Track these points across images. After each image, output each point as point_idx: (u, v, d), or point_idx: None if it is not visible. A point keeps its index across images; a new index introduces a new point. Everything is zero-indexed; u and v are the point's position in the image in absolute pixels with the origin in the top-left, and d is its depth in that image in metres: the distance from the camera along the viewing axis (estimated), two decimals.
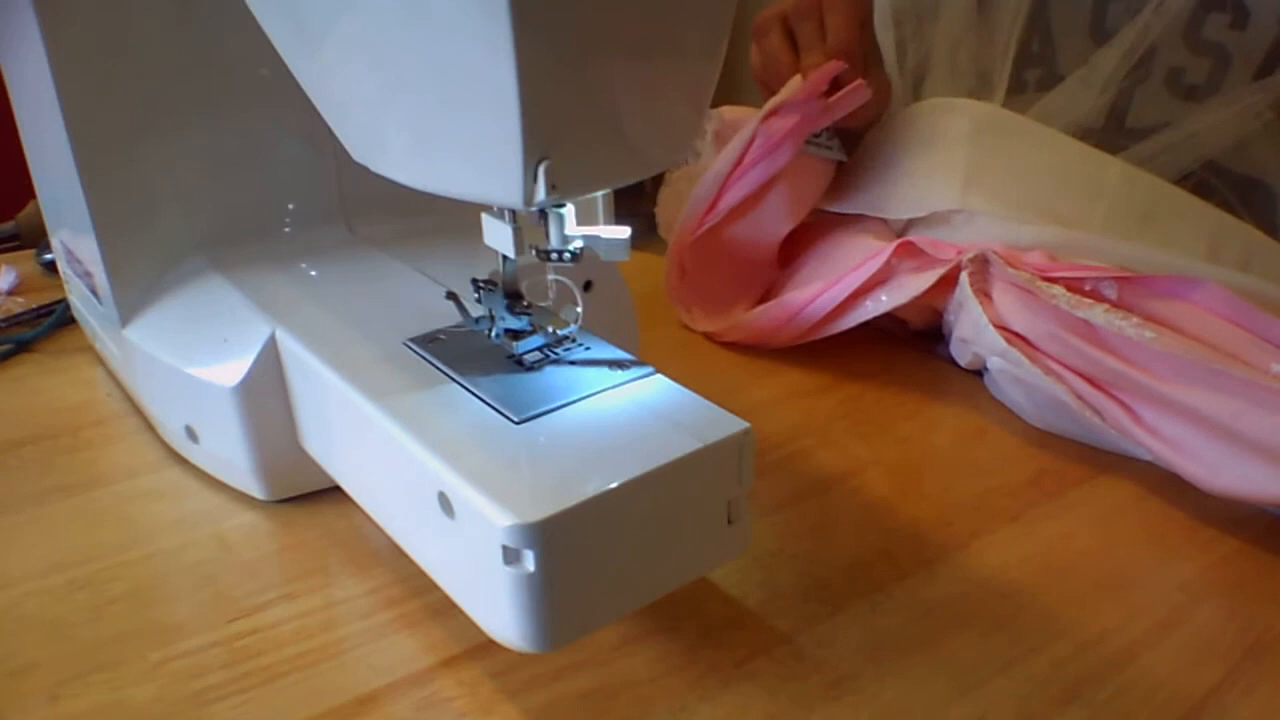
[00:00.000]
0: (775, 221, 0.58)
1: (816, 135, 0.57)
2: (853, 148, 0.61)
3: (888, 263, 0.52)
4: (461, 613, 0.32)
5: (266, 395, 0.40)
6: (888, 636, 0.36)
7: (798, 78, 0.55)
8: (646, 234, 0.68)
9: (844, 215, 0.61)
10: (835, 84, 0.55)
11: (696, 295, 0.60)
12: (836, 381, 0.55)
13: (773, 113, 0.55)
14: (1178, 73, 0.56)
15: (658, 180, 0.69)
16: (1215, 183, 0.56)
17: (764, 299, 0.59)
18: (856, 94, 0.54)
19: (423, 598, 0.37)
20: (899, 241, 0.52)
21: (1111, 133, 0.57)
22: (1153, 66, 0.56)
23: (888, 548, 0.41)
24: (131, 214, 0.45)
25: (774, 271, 0.61)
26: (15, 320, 0.59)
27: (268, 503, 0.43)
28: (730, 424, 0.32)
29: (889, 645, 0.36)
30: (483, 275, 0.37)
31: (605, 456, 0.30)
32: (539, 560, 0.28)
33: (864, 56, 0.57)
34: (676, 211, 0.64)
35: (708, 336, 0.60)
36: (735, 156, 0.56)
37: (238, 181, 0.47)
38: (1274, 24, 0.54)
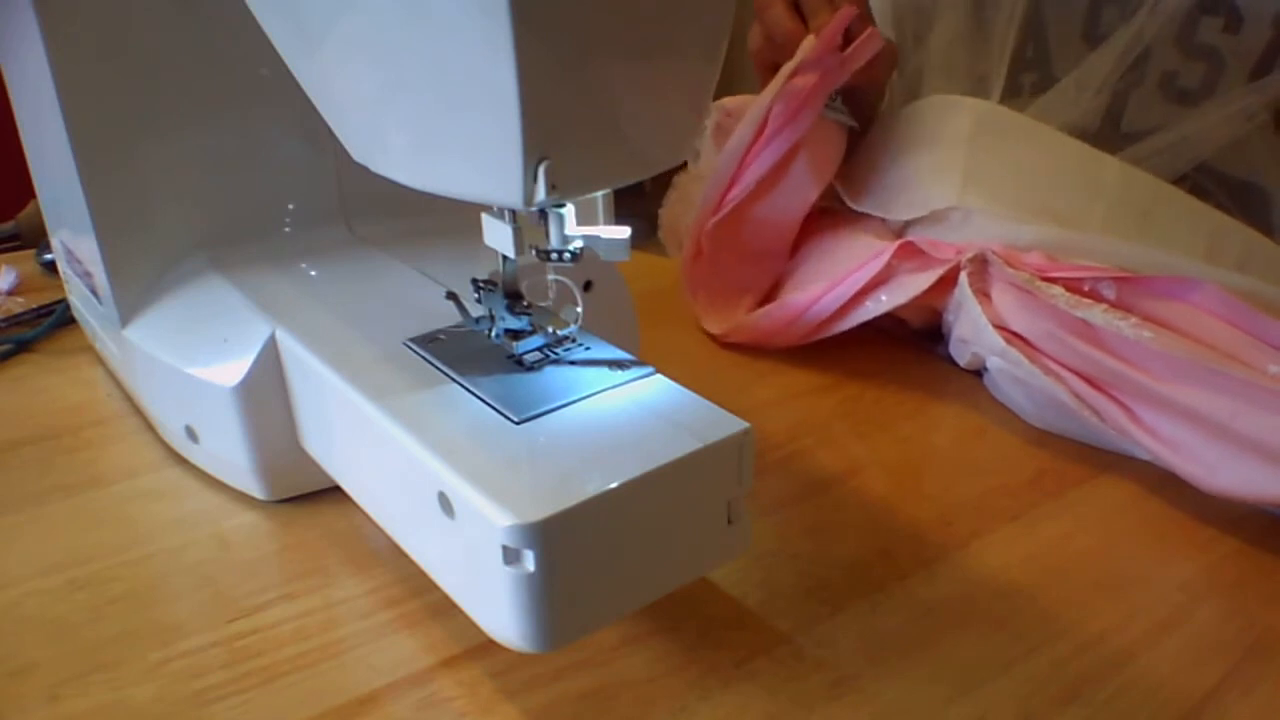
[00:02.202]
0: (801, 191, 0.58)
1: (832, 99, 0.57)
2: (863, 120, 0.61)
3: (888, 263, 0.52)
4: (461, 613, 0.32)
5: (266, 395, 0.40)
6: (888, 636, 0.36)
7: (810, 38, 0.55)
8: (647, 234, 0.68)
9: (843, 215, 0.61)
10: (846, 40, 0.55)
11: (706, 281, 0.59)
12: (836, 381, 0.55)
13: (791, 75, 0.55)
14: (1171, 76, 0.56)
15: (658, 180, 0.68)
16: (1209, 186, 0.56)
17: (769, 293, 0.59)
18: (871, 42, 0.55)
19: (423, 598, 0.37)
20: (899, 242, 0.52)
21: (1106, 136, 0.57)
22: (1147, 70, 0.56)
23: (888, 548, 0.41)
24: (131, 214, 0.45)
25: (788, 255, 0.60)
26: (15, 320, 0.59)
27: (268, 503, 0.43)
28: (730, 424, 0.32)
29: (889, 645, 0.36)
30: (483, 275, 0.37)
31: (605, 456, 0.30)
32: (539, 560, 0.28)
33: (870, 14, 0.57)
34: (683, 216, 0.63)
35: (709, 337, 0.60)
36: (754, 128, 0.55)
37: (237, 181, 0.47)
38: (1267, 27, 0.54)
